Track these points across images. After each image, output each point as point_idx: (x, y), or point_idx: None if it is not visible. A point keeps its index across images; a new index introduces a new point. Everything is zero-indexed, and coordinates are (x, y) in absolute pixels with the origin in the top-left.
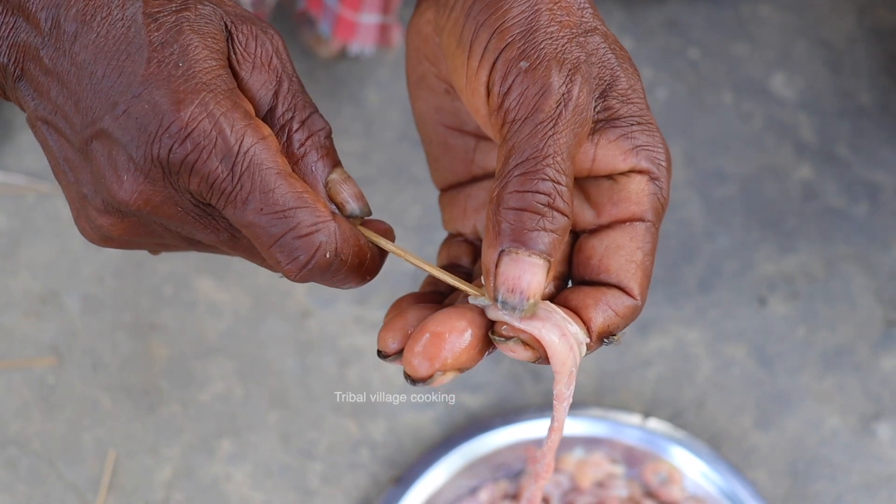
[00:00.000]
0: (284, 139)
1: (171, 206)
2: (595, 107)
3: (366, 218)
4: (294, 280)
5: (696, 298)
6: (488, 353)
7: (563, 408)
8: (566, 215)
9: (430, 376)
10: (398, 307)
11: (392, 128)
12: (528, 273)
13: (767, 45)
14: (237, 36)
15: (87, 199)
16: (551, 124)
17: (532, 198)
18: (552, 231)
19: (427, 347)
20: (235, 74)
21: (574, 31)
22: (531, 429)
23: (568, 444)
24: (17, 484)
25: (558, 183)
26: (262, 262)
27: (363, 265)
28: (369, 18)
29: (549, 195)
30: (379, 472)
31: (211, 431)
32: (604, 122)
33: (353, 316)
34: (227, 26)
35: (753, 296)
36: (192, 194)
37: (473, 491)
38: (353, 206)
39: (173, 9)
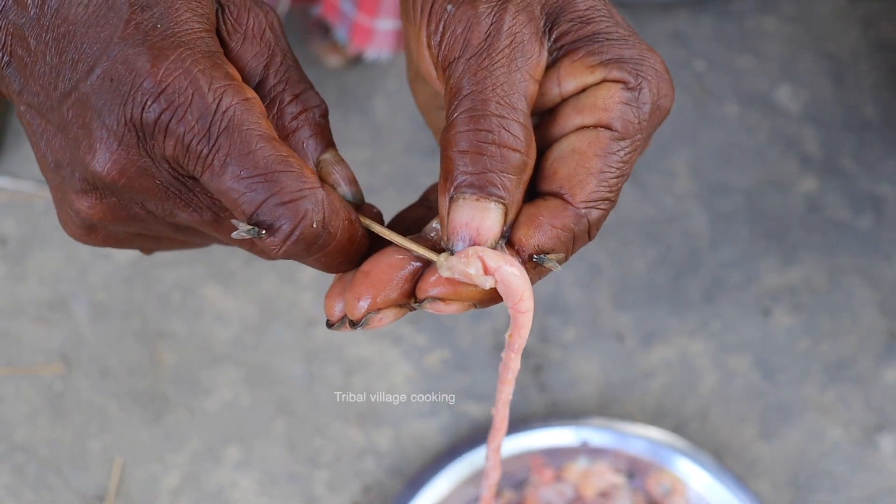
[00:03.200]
0: (275, 112)
1: (148, 178)
2: (549, 36)
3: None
4: (276, 256)
5: (700, 310)
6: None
7: (517, 357)
8: (518, 151)
9: (363, 317)
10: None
11: (399, 137)
12: (478, 218)
13: (772, 57)
14: (228, 6)
15: (66, 182)
16: (484, 57)
17: (474, 136)
18: (502, 171)
19: (356, 286)
20: (225, 45)
21: None
22: (536, 438)
23: (572, 453)
24: (24, 490)
25: (502, 117)
26: (242, 245)
27: (353, 243)
28: (385, 24)
29: (492, 132)
30: (384, 480)
31: (217, 439)
32: (563, 48)
33: None
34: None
35: (757, 307)
36: (169, 163)
37: (478, 500)
38: (344, 190)
39: None
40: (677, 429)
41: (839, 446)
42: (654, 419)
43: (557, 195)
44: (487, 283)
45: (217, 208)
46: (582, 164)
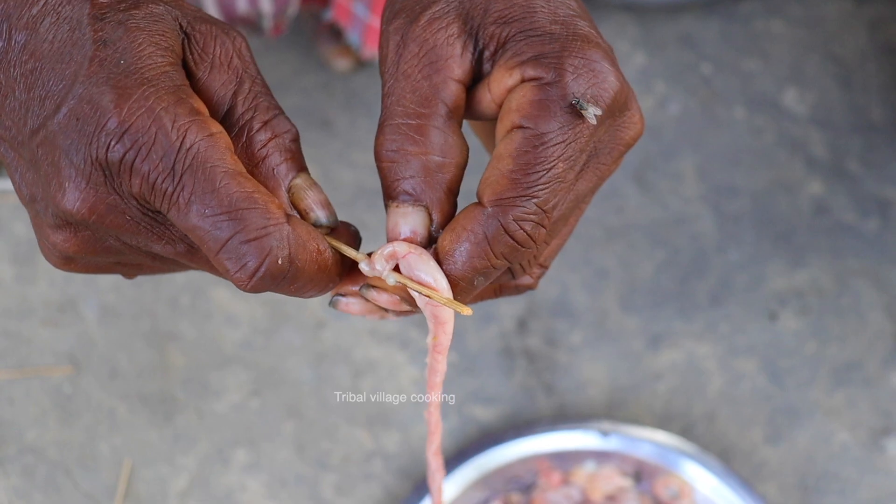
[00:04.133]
0: (244, 140)
1: (118, 215)
2: (475, 41)
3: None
4: (245, 290)
5: (707, 312)
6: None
7: (443, 359)
8: (425, 154)
9: (331, 298)
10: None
11: None
12: (400, 223)
13: (779, 60)
14: (194, 36)
15: (40, 216)
16: (394, 69)
17: (386, 146)
18: (412, 176)
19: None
20: (192, 75)
21: None
22: (543, 442)
23: (579, 457)
24: (33, 492)
25: (408, 125)
26: (214, 270)
27: (324, 272)
28: None
29: (397, 140)
30: (392, 482)
31: (226, 441)
32: (491, 56)
33: (367, 327)
34: (182, 26)
35: (764, 310)
36: (137, 200)
37: (486, 503)
38: (317, 214)
39: (121, 8)
40: (685, 432)
41: (847, 449)
42: (662, 422)
43: (477, 200)
44: (391, 279)
45: (190, 241)
46: (495, 166)
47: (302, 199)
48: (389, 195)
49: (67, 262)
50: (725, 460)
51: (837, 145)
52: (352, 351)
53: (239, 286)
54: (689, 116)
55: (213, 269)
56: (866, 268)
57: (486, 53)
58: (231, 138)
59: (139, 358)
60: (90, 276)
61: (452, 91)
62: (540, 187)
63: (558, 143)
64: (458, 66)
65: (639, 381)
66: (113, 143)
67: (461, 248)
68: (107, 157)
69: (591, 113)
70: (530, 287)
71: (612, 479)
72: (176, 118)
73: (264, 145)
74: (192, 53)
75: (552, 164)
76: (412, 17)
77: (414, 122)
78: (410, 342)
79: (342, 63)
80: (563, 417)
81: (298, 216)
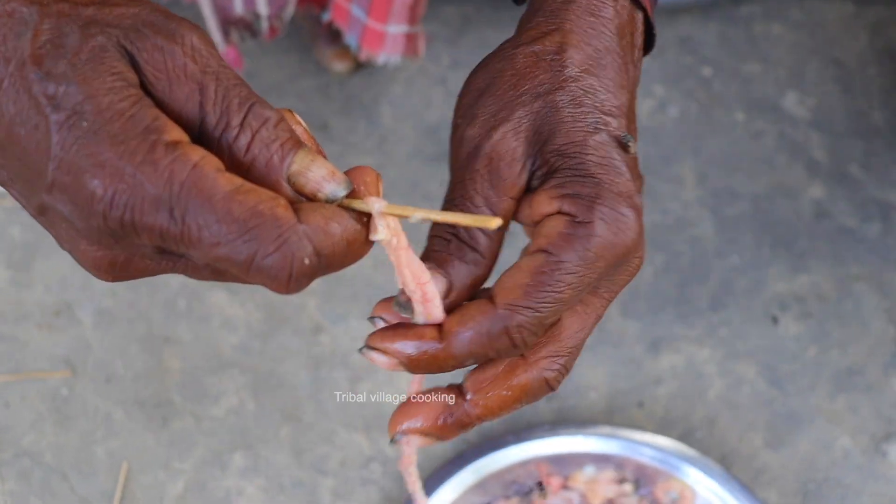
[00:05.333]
0: (227, 152)
1: (139, 260)
2: (535, 161)
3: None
4: (287, 293)
5: (707, 317)
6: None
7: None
8: (470, 247)
9: (392, 437)
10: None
11: (405, 143)
12: (426, 276)
13: (780, 64)
14: (140, 56)
15: (71, 253)
16: (464, 173)
17: (441, 229)
18: (453, 257)
19: (395, 413)
20: (154, 97)
21: (532, 92)
22: (543, 446)
23: (579, 461)
24: (29, 496)
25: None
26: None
27: (355, 244)
28: (397, 29)
29: (454, 227)
30: (390, 487)
31: (223, 445)
32: (541, 177)
33: (365, 331)
34: (126, 50)
35: (765, 315)
36: (151, 248)
37: None
38: (327, 191)
39: (62, 55)
40: (685, 436)
41: (848, 455)
42: (662, 427)
43: (490, 297)
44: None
45: (212, 265)
46: (513, 275)
47: (305, 184)
48: (425, 258)
49: (108, 281)
50: (726, 465)
51: (838, 149)
52: (349, 355)
53: (278, 293)
54: (688, 120)
55: (243, 280)
56: (868, 272)
57: (538, 173)
58: (215, 151)
59: (136, 362)
60: (86, 281)
61: (506, 206)
62: (546, 304)
63: (571, 273)
64: (514, 185)
65: (639, 386)
66: (107, 211)
67: (466, 332)
68: (107, 225)
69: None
70: (552, 389)
71: (613, 484)
72: (156, 166)
73: (247, 149)
74: (145, 75)
75: (561, 289)
76: (487, 129)
77: (459, 216)
78: None
79: (340, 65)
80: (563, 422)
81: (307, 202)
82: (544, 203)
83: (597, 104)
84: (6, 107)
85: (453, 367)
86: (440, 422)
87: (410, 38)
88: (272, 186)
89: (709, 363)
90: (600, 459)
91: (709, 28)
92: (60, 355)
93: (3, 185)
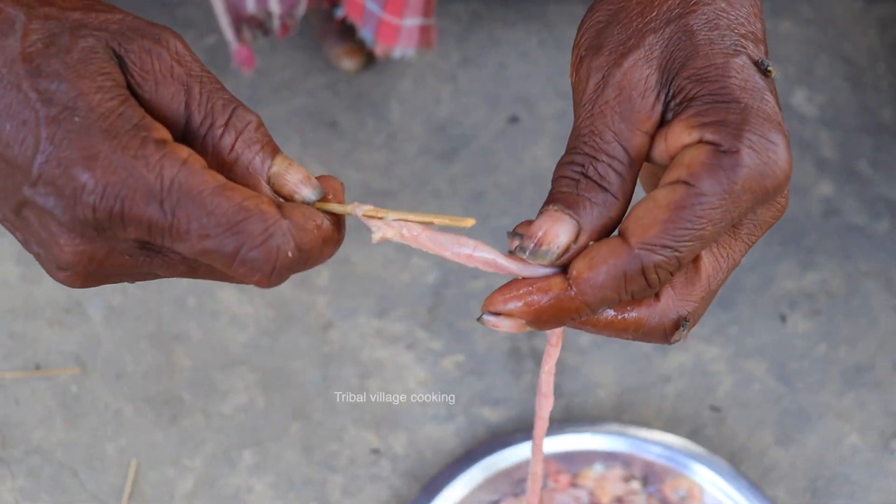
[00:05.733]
0: (211, 148)
1: (117, 255)
2: (668, 91)
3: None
4: (266, 287)
5: (716, 314)
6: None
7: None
8: (600, 186)
9: (482, 313)
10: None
11: (414, 141)
12: (549, 225)
13: (789, 60)
14: (128, 57)
15: (41, 257)
16: (592, 106)
17: (569, 168)
18: (582, 196)
19: (497, 291)
20: (139, 98)
21: (663, 18)
22: (551, 444)
23: (588, 458)
24: (39, 493)
25: (594, 158)
26: (227, 279)
27: (329, 241)
28: (412, 22)
29: (583, 166)
30: (399, 484)
31: (233, 442)
32: (679, 105)
33: (374, 328)
34: (115, 51)
35: (774, 312)
36: (134, 241)
37: None
38: (303, 193)
39: (53, 54)
40: (693, 434)
41: (857, 452)
42: (670, 424)
43: (621, 234)
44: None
45: (189, 260)
46: (650, 210)
47: (284, 185)
48: (552, 199)
49: (72, 287)
50: (735, 463)
51: (847, 146)
52: (358, 352)
53: (259, 286)
54: None
55: (214, 277)
56: (877, 269)
57: (672, 103)
58: (198, 150)
59: (145, 359)
60: None
61: (639, 141)
62: (685, 241)
63: (715, 208)
64: (648, 118)
65: (647, 383)
66: (98, 202)
67: (598, 276)
68: (94, 216)
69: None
70: (668, 341)
71: (621, 482)
72: (147, 160)
73: (232, 148)
74: (132, 76)
75: (703, 225)
76: (616, 56)
77: (595, 157)
78: (417, 343)
79: (349, 63)
80: (572, 419)
81: (286, 202)
82: (682, 133)
83: (733, 26)
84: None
85: (585, 316)
86: (539, 303)
87: (424, 31)
88: (253, 185)
89: (717, 361)
90: (609, 457)
91: None
92: (70, 352)
93: None
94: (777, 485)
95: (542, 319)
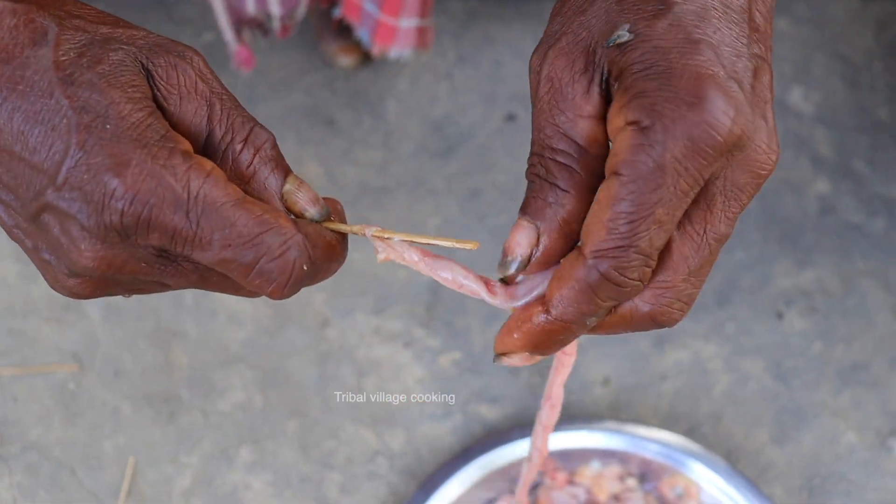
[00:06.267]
0: (230, 163)
1: (135, 262)
2: (601, 75)
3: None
4: (279, 298)
5: (713, 312)
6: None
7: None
8: (552, 184)
9: (496, 356)
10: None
11: (411, 139)
12: (513, 234)
13: (785, 59)
14: (156, 72)
15: (51, 264)
16: (535, 105)
17: (529, 172)
18: (537, 198)
19: (501, 331)
20: (164, 110)
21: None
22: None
23: (585, 456)
24: (37, 490)
25: (542, 156)
26: (236, 291)
27: (336, 257)
28: (409, 23)
29: (534, 167)
30: (397, 482)
31: (230, 440)
32: (614, 83)
33: (371, 326)
34: (143, 66)
35: (771, 310)
36: (153, 248)
37: (490, 503)
38: (312, 212)
39: (84, 64)
40: (690, 432)
41: (853, 450)
42: (667, 422)
43: (578, 247)
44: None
45: (202, 270)
46: (594, 213)
47: (295, 203)
48: (520, 209)
49: (78, 296)
50: (731, 461)
51: (844, 144)
52: (356, 350)
53: (274, 297)
54: None
55: (223, 289)
56: (873, 268)
57: (610, 80)
58: (218, 163)
59: (143, 357)
60: None
61: (585, 128)
62: (640, 233)
63: (654, 189)
64: (586, 102)
65: (644, 382)
66: (126, 208)
67: (568, 294)
68: (122, 221)
69: None
70: (672, 323)
71: (618, 479)
72: (175, 170)
73: (250, 163)
74: (158, 90)
75: (648, 210)
76: (546, 49)
77: (543, 156)
78: (415, 341)
79: (346, 59)
80: (569, 417)
81: (298, 218)
82: (616, 117)
83: None
84: (30, 109)
85: (576, 333)
86: (531, 331)
87: (421, 32)
88: (267, 200)
89: (714, 359)
90: (606, 455)
91: None
92: (68, 349)
93: None
94: (774, 483)
95: (540, 346)
